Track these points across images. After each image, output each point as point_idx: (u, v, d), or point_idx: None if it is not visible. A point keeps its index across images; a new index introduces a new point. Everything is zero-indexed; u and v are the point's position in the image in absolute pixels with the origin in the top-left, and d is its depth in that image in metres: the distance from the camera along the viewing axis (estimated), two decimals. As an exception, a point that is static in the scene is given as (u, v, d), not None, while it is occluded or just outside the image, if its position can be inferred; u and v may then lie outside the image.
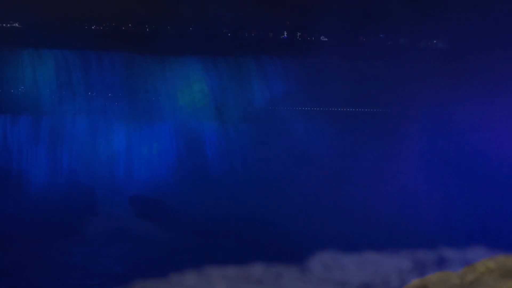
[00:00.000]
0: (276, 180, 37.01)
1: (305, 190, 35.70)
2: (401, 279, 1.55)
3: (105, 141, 40.19)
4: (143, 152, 38.91)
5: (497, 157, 36.51)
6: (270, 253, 24.69)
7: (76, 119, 39.36)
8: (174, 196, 33.64)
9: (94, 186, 33.83)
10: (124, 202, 33.32)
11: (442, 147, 38.56)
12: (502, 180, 35.00)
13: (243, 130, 42.80)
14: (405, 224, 30.13)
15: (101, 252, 27.09)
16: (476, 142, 37.29)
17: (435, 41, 65.66)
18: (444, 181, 35.84)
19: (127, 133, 40.80)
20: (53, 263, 25.39)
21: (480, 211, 33.05)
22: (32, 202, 29.34)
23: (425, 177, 35.88)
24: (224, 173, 36.56)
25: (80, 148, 38.43)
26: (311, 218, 32.11)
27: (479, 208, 33.34)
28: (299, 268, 1.62)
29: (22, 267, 24.13)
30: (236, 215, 31.81)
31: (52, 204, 30.27)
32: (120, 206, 32.93)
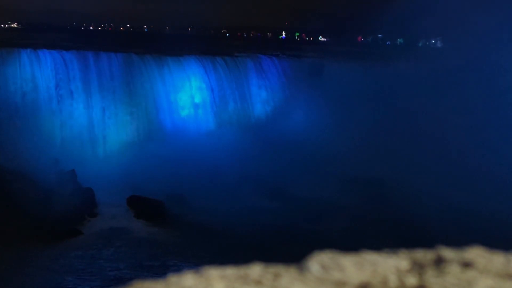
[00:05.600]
0: (274, 179, 37.02)
1: (303, 188, 35.72)
2: (400, 279, 1.55)
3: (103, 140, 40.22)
4: (141, 152, 38.90)
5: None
6: (268, 253, 24.72)
7: (75, 118, 39.35)
8: (175, 196, 33.64)
9: (92, 186, 33.82)
10: (124, 202, 33.32)
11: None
12: None
13: (241, 130, 42.82)
14: None
15: (98, 253, 27.06)
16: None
17: (433, 41, 65.75)
18: None
19: (126, 132, 40.81)
20: (49, 265, 25.36)
21: None
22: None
23: None
24: (224, 172, 36.55)
25: (79, 147, 38.45)
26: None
27: None
28: (298, 268, 1.62)
29: (17, 270, 24.07)
30: (237, 215, 31.83)
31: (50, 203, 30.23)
32: (119, 206, 32.92)
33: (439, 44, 62.87)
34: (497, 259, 1.61)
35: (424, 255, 1.65)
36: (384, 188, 35.36)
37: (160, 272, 24.25)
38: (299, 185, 36.15)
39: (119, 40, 59.55)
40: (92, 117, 40.11)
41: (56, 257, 26.12)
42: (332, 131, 41.18)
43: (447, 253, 1.65)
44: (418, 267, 1.57)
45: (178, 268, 24.66)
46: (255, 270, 1.58)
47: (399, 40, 73.57)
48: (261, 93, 46.29)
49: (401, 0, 50.40)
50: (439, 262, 1.59)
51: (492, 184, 33.97)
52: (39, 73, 38.82)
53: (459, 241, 2.18)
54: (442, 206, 32.43)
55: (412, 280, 1.53)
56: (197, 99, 43.47)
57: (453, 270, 1.55)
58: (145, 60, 42.27)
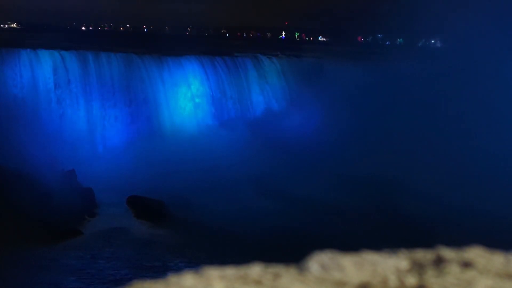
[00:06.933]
0: (274, 179, 37.03)
1: (303, 188, 35.72)
2: (400, 279, 1.55)
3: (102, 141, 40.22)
4: (141, 152, 38.90)
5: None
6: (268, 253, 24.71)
7: (75, 118, 39.36)
8: (175, 196, 33.63)
9: (92, 186, 33.82)
10: (124, 202, 33.32)
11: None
12: None
13: (241, 130, 42.83)
14: None
15: (98, 254, 27.05)
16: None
17: (433, 41, 65.77)
18: None
19: (126, 132, 40.83)
20: (48, 266, 25.35)
21: None
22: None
23: None
24: (224, 172, 36.55)
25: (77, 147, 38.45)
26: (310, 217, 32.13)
27: None
28: (298, 268, 1.62)
29: (17, 270, 24.06)
30: (237, 215, 31.82)
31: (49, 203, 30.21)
32: (119, 206, 32.92)
33: (439, 44, 62.85)
34: (497, 259, 1.61)
35: (424, 255, 1.65)
36: (384, 188, 35.35)
37: (160, 272, 24.24)
38: (298, 185, 36.13)
39: (119, 40, 59.55)
40: (91, 116, 40.12)
41: (55, 257, 26.11)
42: (332, 131, 41.20)
43: (447, 253, 1.65)
44: (418, 267, 1.58)
45: (178, 268, 24.67)
46: (255, 270, 1.58)
47: (399, 40, 73.57)
48: (261, 93, 46.31)
49: (401, 0, 50.40)
50: (439, 262, 1.59)
51: (492, 183, 33.96)
52: (39, 73, 38.83)
53: (459, 241, 2.18)
54: (442, 206, 32.43)
55: (412, 280, 1.53)
56: (197, 99, 43.48)
57: (453, 270, 1.56)
58: (145, 60, 42.30)
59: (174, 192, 33.58)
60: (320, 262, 1.60)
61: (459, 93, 40.34)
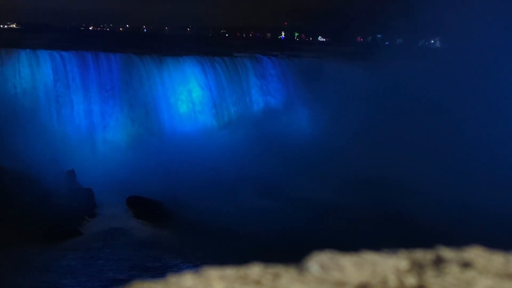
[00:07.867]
0: (274, 179, 37.02)
1: (303, 188, 35.73)
2: (399, 279, 1.55)
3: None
4: (141, 152, 38.90)
5: None
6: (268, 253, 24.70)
7: (74, 119, 39.36)
8: (174, 196, 33.63)
9: (92, 186, 33.81)
10: (123, 202, 33.31)
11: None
12: None
13: (240, 130, 42.81)
14: None
15: (98, 254, 27.04)
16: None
17: (432, 41, 65.77)
18: None
19: (126, 132, 40.80)
20: (48, 266, 25.34)
21: None
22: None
23: None
24: (224, 172, 36.55)
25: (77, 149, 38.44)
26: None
27: None
28: (297, 268, 1.62)
29: (16, 270, 24.04)
30: (236, 215, 31.82)
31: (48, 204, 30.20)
32: (119, 207, 32.91)
33: (439, 44, 62.78)
34: (497, 259, 1.61)
35: (423, 255, 1.65)
36: (383, 188, 35.36)
37: (159, 272, 24.24)
38: (298, 185, 36.14)
39: (118, 41, 59.53)
40: (91, 117, 40.11)
41: (55, 258, 26.10)
42: (332, 131, 41.17)
43: (447, 253, 1.65)
44: (417, 267, 1.58)
45: (177, 268, 24.66)
46: (255, 270, 1.58)
47: (399, 40, 73.53)
48: (260, 93, 46.27)
49: (401, 0, 50.37)
50: (439, 262, 1.59)
51: (492, 183, 33.96)
52: (38, 73, 38.81)
53: (459, 241, 2.18)
54: (442, 206, 32.43)
55: (411, 280, 1.53)
56: (196, 100, 43.46)
57: (453, 270, 1.55)
58: (144, 61, 42.26)
59: (174, 192, 33.57)
60: (320, 262, 1.60)
61: (459, 93, 40.31)
